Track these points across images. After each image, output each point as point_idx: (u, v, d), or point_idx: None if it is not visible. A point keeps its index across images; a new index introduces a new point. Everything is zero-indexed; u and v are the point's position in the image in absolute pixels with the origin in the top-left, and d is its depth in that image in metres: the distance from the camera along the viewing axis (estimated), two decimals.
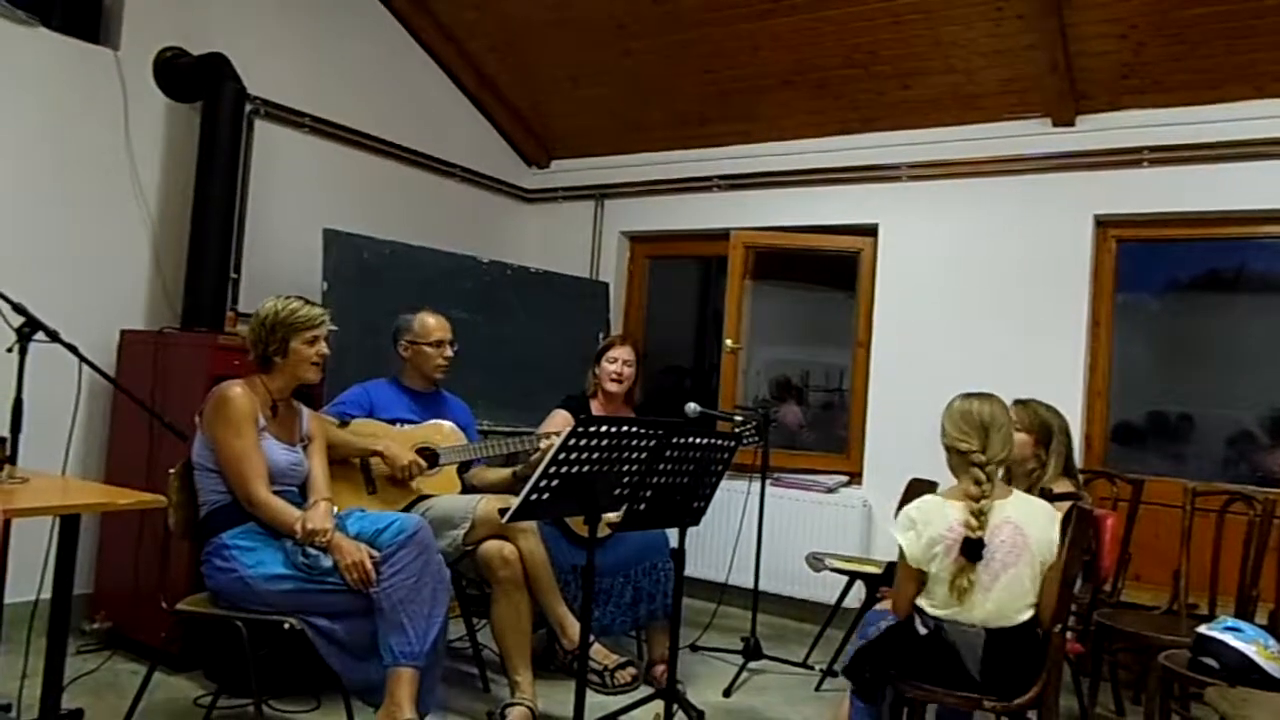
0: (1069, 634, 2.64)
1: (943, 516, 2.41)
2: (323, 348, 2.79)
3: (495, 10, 4.72)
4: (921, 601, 2.44)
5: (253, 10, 4.26)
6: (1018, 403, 3.13)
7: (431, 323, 3.44)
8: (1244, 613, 3.04)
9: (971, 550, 2.34)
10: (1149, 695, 2.79)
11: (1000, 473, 2.48)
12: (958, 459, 2.48)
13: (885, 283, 4.73)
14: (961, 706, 2.44)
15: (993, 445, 2.43)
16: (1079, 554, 2.50)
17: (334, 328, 2.89)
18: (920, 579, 2.44)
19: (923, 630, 2.42)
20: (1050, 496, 2.67)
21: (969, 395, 2.53)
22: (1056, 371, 4.15)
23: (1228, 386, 4.29)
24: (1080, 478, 3.23)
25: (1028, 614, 2.40)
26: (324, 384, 3.52)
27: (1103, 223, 4.27)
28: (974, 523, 2.36)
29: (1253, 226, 4.02)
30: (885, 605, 2.69)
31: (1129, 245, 4.31)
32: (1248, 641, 2.47)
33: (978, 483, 2.40)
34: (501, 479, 3.51)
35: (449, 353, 3.45)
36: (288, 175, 4.40)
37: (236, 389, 2.64)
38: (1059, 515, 2.49)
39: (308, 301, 2.80)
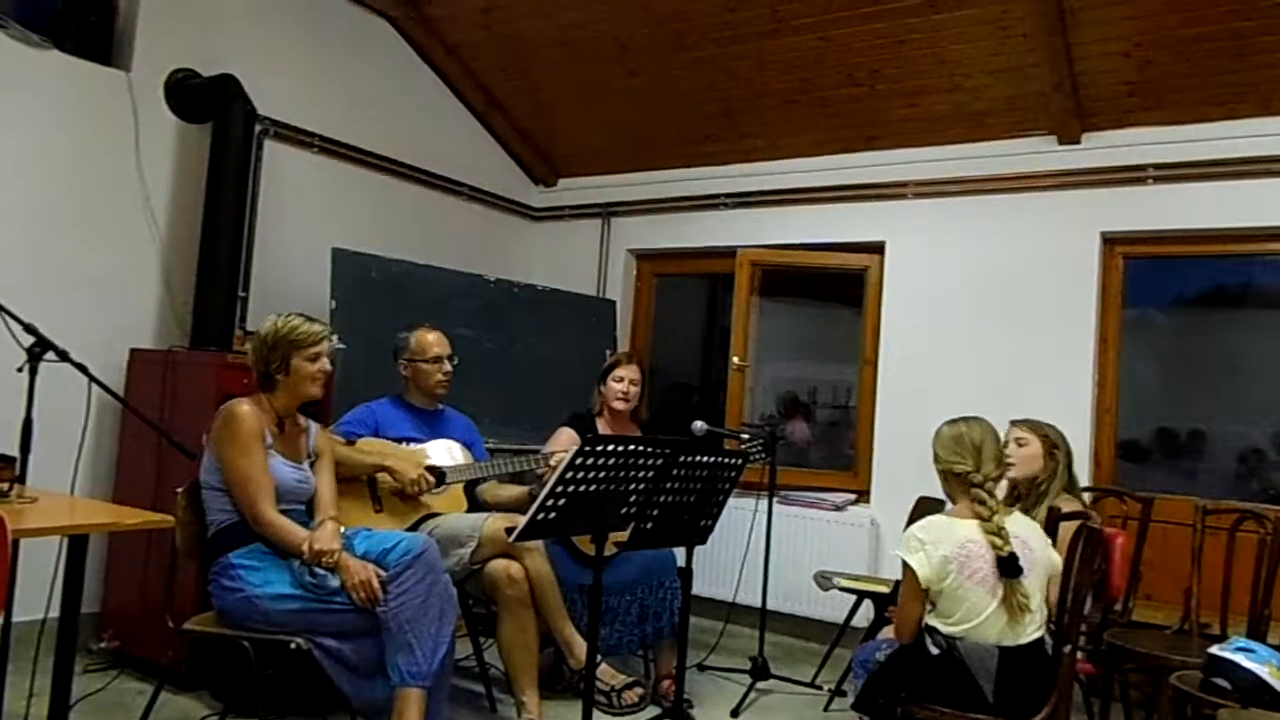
0: (1079, 654, 2.62)
1: (952, 535, 2.41)
2: (325, 364, 2.77)
3: (502, 30, 4.76)
4: (933, 621, 2.43)
5: (262, 32, 4.31)
6: (1018, 421, 3.15)
7: (429, 339, 3.44)
8: (1256, 633, 3.01)
9: (1008, 568, 2.34)
10: (1160, 716, 2.77)
11: (1001, 490, 2.49)
12: (955, 481, 2.51)
13: (892, 300, 4.73)
14: None
15: (986, 464, 2.47)
16: (1089, 573, 2.49)
17: (341, 345, 2.89)
18: (926, 599, 2.43)
19: (935, 650, 2.40)
20: (1058, 516, 2.66)
21: (954, 420, 2.58)
22: (1064, 388, 4.14)
23: (1237, 403, 4.28)
24: (1085, 495, 3.21)
25: (1039, 632, 2.40)
26: (331, 402, 3.54)
27: (1109, 240, 4.27)
28: (998, 541, 2.37)
29: (1260, 243, 4.01)
30: (885, 634, 2.68)
31: (1136, 262, 4.31)
32: (1260, 662, 2.45)
33: (981, 502, 2.42)
34: (518, 496, 3.49)
35: (448, 368, 3.45)
36: (296, 195, 4.43)
37: (244, 407, 2.64)
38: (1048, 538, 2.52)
39: (308, 318, 2.78)
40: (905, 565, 2.42)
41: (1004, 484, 2.50)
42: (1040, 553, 2.45)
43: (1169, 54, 3.78)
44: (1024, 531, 2.47)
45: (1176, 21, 3.64)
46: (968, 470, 2.46)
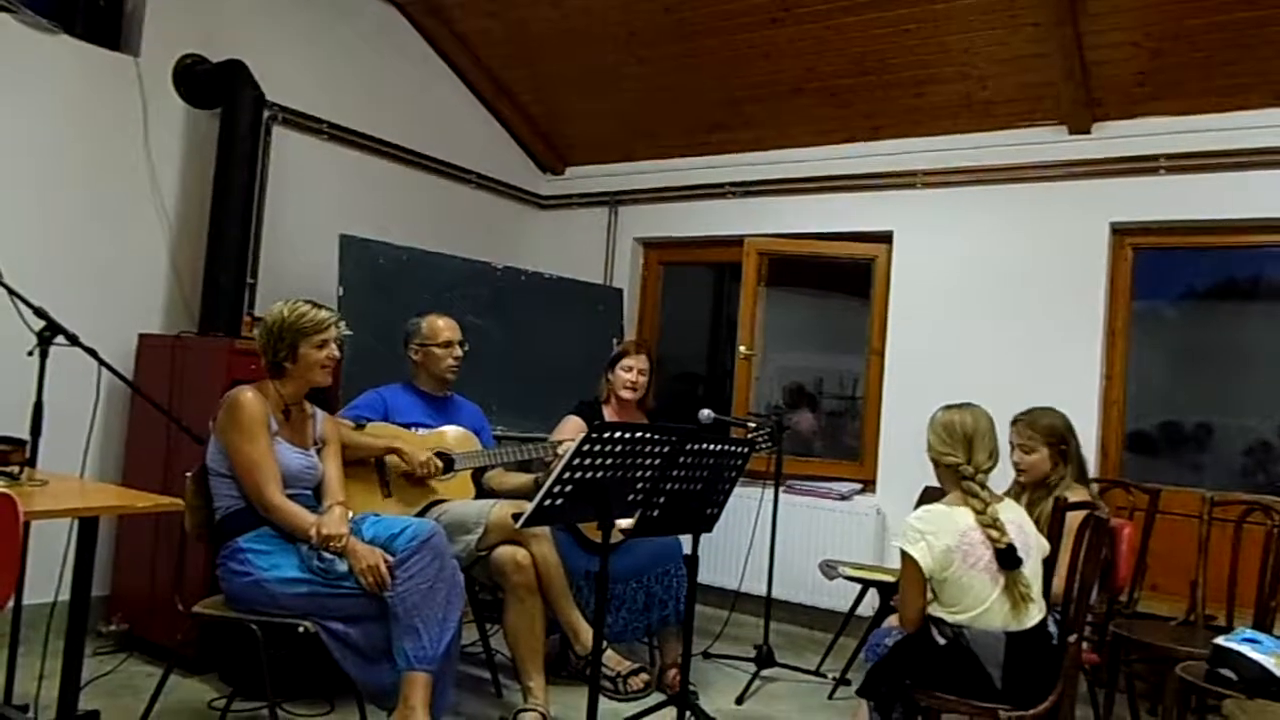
0: (1085, 644, 2.62)
1: (952, 524, 2.40)
2: (332, 351, 2.77)
3: (511, 18, 4.75)
4: (938, 611, 2.43)
5: (271, 18, 4.30)
6: (1018, 420, 3.04)
7: (440, 324, 3.45)
8: (1262, 624, 3.01)
9: (1008, 559, 2.35)
10: (1166, 707, 2.77)
11: (1005, 483, 2.50)
12: (946, 472, 2.51)
13: (899, 290, 4.72)
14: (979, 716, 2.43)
15: (977, 455, 2.46)
16: (1095, 564, 2.49)
17: (348, 332, 2.89)
18: (927, 589, 2.43)
19: (941, 640, 2.40)
20: (1065, 506, 2.65)
21: (949, 407, 2.56)
22: (1072, 380, 4.13)
23: (1245, 395, 4.26)
24: (1094, 486, 3.20)
25: (1040, 614, 2.41)
26: (339, 388, 3.55)
27: (1119, 230, 4.25)
28: (995, 534, 2.36)
29: (1270, 235, 3.99)
30: (892, 622, 2.69)
31: (1145, 253, 4.29)
32: (1266, 653, 2.45)
33: (974, 495, 2.42)
34: (523, 484, 3.51)
35: (459, 353, 3.46)
36: (305, 181, 4.43)
37: (248, 394, 2.64)
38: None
39: (316, 305, 2.77)
40: (905, 556, 2.41)
41: (1010, 479, 2.49)
42: (1034, 535, 2.48)
43: (1180, 43, 3.76)
44: (1016, 516, 2.48)
45: (1187, 11, 3.62)
46: (958, 463, 2.45)
